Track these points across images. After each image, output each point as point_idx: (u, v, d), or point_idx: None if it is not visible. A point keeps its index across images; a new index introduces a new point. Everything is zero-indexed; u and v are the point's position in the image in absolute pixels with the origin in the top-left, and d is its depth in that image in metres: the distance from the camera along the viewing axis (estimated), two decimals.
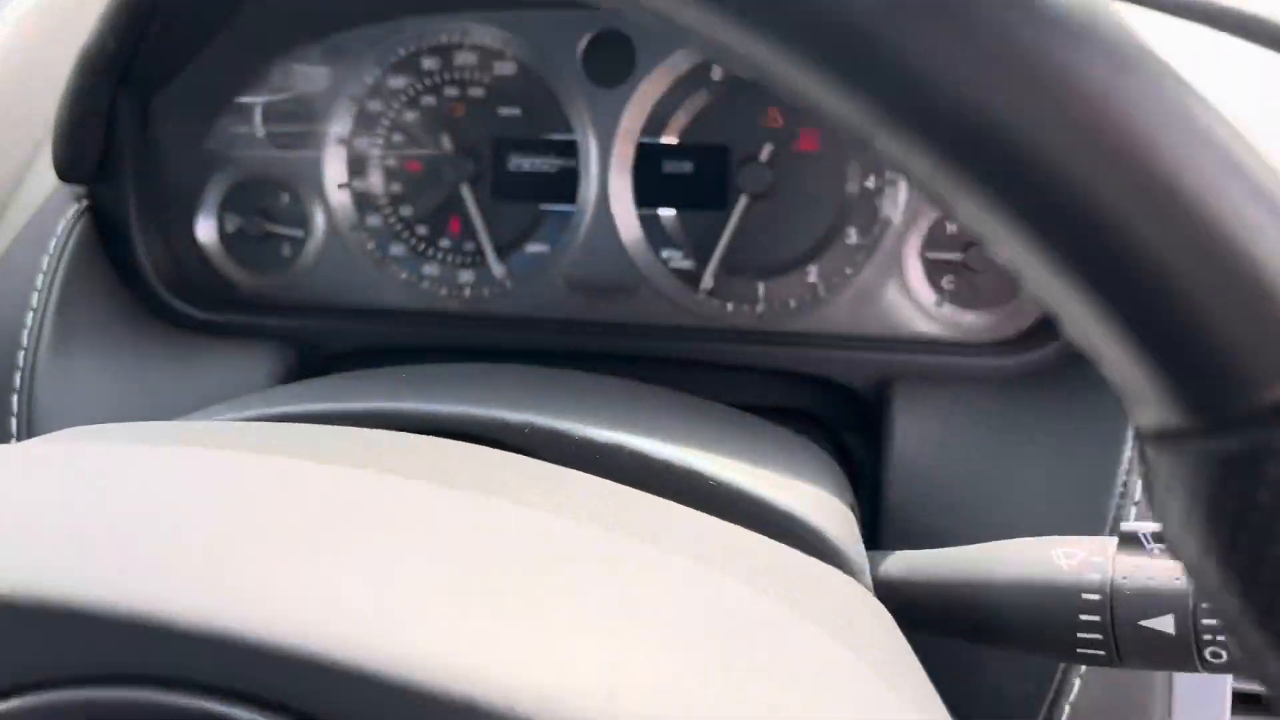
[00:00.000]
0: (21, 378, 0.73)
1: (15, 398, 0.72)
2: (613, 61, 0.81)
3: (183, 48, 0.78)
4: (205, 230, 0.87)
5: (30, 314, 0.75)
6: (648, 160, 0.81)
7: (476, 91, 0.84)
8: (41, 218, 0.80)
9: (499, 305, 0.84)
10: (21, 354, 0.73)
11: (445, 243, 0.85)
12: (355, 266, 0.86)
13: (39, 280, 0.77)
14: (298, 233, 0.86)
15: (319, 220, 0.86)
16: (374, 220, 0.86)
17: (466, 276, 0.85)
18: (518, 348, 0.79)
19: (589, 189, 0.82)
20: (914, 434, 0.70)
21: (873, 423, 0.74)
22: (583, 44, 0.81)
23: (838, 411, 0.77)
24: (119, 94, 0.77)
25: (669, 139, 0.81)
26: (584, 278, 0.82)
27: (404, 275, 0.85)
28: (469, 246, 0.85)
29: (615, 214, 0.81)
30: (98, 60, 0.73)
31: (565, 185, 0.83)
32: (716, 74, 0.80)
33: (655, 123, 0.81)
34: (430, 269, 0.85)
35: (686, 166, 0.81)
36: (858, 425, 0.76)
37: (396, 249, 0.85)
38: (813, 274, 0.80)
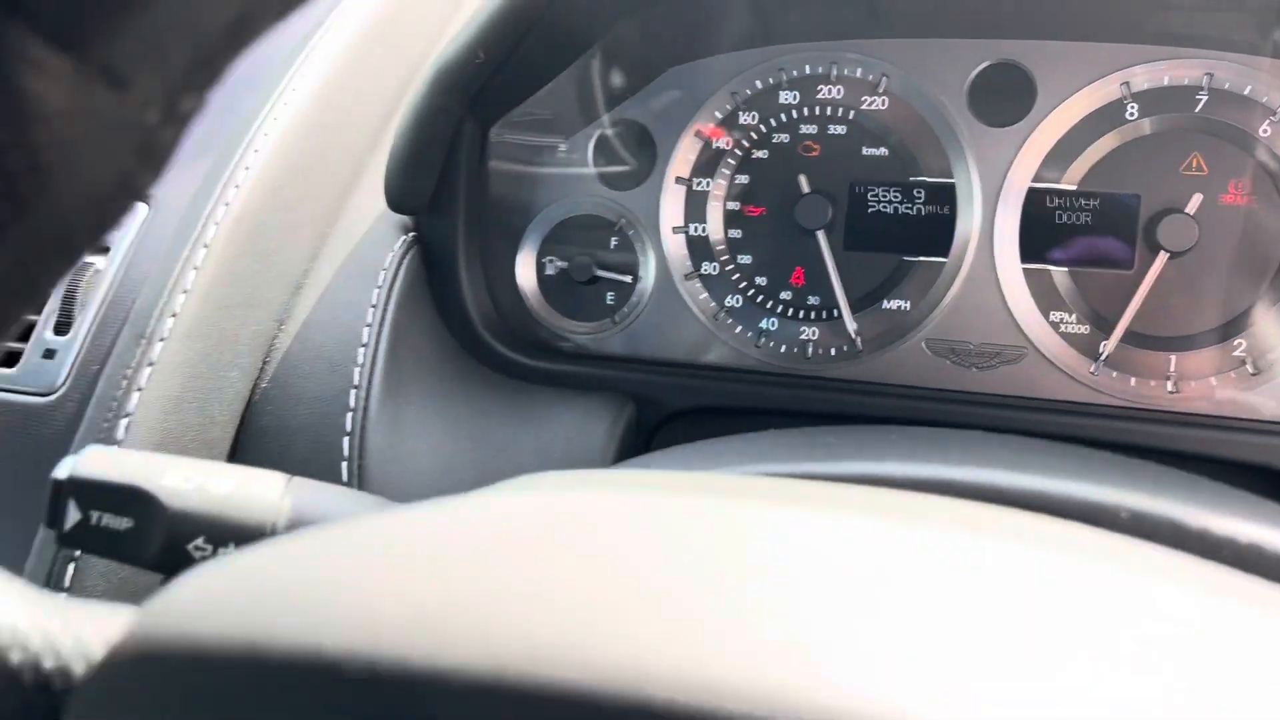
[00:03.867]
0: (354, 420, 0.66)
1: (347, 441, 0.66)
2: (1007, 98, 0.71)
3: (539, 72, 0.72)
4: (524, 273, 0.80)
5: (361, 350, 0.69)
6: (1038, 209, 0.71)
7: (837, 129, 0.75)
8: (367, 250, 0.74)
9: (847, 367, 0.74)
10: (354, 394, 0.67)
11: (786, 295, 0.76)
12: (686, 317, 0.77)
13: (369, 315, 0.70)
14: (626, 279, 0.79)
15: (650, 266, 0.78)
16: (709, 268, 0.78)
17: (809, 333, 0.76)
18: (869, 414, 0.69)
19: (967, 239, 0.72)
20: None
21: None
22: (972, 77, 0.72)
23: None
24: (464, 118, 0.72)
25: (1066, 185, 0.71)
26: (953, 340, 0.72)
27: (739, 329, 0.77)
28: (813, 300, 0.76)
29: (998, 268, 0.71)
30: (458, 77, 0.67)
31: (936, 235, 0.73)
32: (1131, 112, 0.69)
33: (1051, 167, 0.71)
34: (769, 323, 0.76)
35: (1085, 217, 0.70)
36: None
37: (733, 300, 0.77)
38: (1240, 348, 0.68)
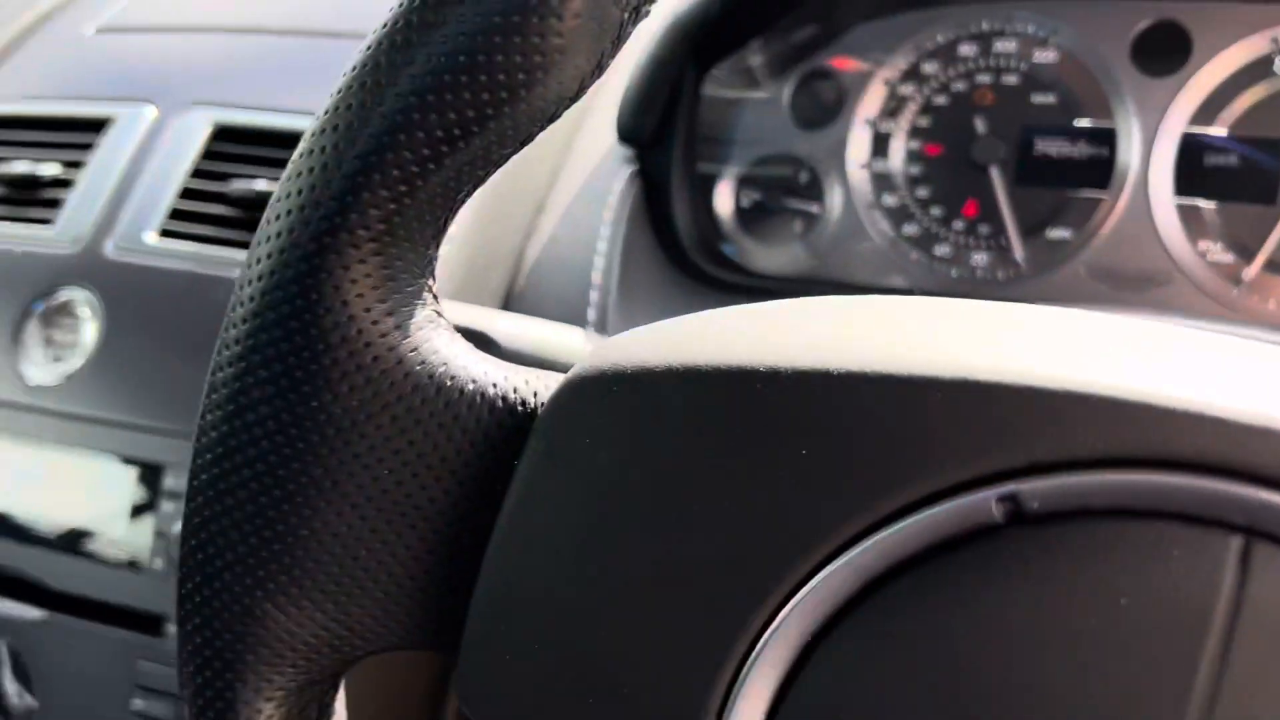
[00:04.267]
0: (596, 313, 0.79)
1: (591, 329, 0.79)
2: (1166, 52, 0.81)
3: (755, 26, 0.84)
4: (722, 202, 0.92)
5: (598, 259, 0.82)
6: (1191, 151, 0.81)
7: (1010, 79, 0.86)
8: (598, 178, 0.87)
9: (1014, 289, 0.85)
10: (593, 293, 0.80)
11: (959, 225, 0.87)
12: (868, 245, 0.89)
13: (603, 231, 0.83)
14: (813, 209, 0.90)
15: (836, 198, 0.90)
16: (890, 200, 0.89)
17: (980, 259, 0.86)
18: None
19: (1125, 176, 0.82)
20: None
21: None
22: (1135, 33, 0.82)
23: None
24: (687, 65, 0.84)
25: (1217, 130, 0.80)
26: (1111, 266, 0.82)
27: (915, 255, 0.88)
28: (984, 230, 0.86)
29: (1152, 202, 0.81)
30: (690, 28, 0.79)
31: (1096, 172, 0.83)
32: (1279, 65, 0.79)
33: (1204, 114, 0.80)
34: (943, 250, 0.87)
35: (1233, 159, 0.80)
36: None
37: (910, 229, 0.88)
38: None
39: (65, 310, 0.87)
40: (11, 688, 0.85)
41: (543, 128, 0.36)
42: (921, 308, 0.34)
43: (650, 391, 0.33)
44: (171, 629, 0.79)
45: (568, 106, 0.36)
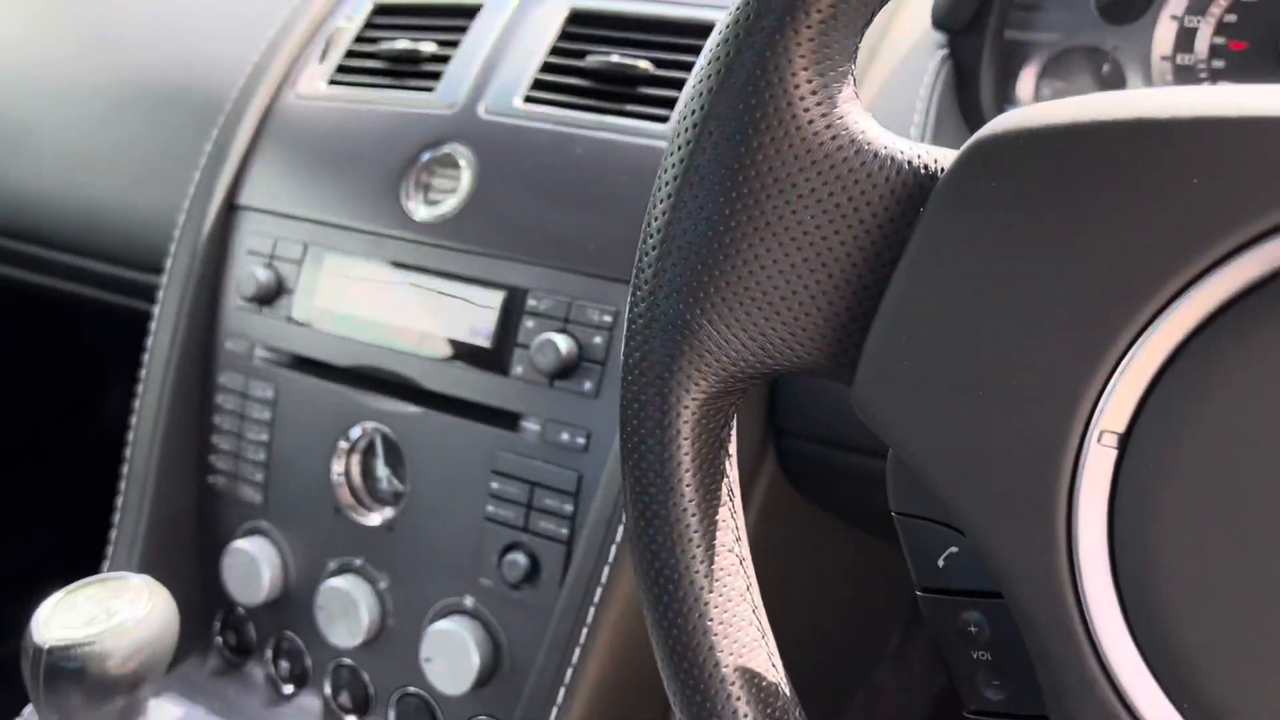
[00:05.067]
0: None
1: None
2: None
3: None
4: (1025, 89, 1.00)
5: (912, 129, 0.91)
6: None
7: None
8: (910, 63, 0.96)
9: None
10: None
11: None
12: None
13: (917, 106, 0.93)
14: None
15: (1138, 86, 0.96)
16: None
17: None
18: None
19: None
20: None
21: None
22: None
23: None
24: None
25: None
26: None
27: None
28: None
29: None
30: None
31: None
32: None
33: None
34: None
35: None
36: None
37: None
38: None
39: (445, 160, 1.03)
40: (383, 473, 1.02)
41: None
42: None
43: (1054, 141, 0.43)
44: (526, 424, 0.94)
45: None
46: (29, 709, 1.02)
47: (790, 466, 0.93)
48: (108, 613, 0.75)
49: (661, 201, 0.50)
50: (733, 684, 0.52)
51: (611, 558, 0.88)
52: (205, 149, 1.16)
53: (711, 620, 0.52)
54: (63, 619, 0.74)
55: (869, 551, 1.13)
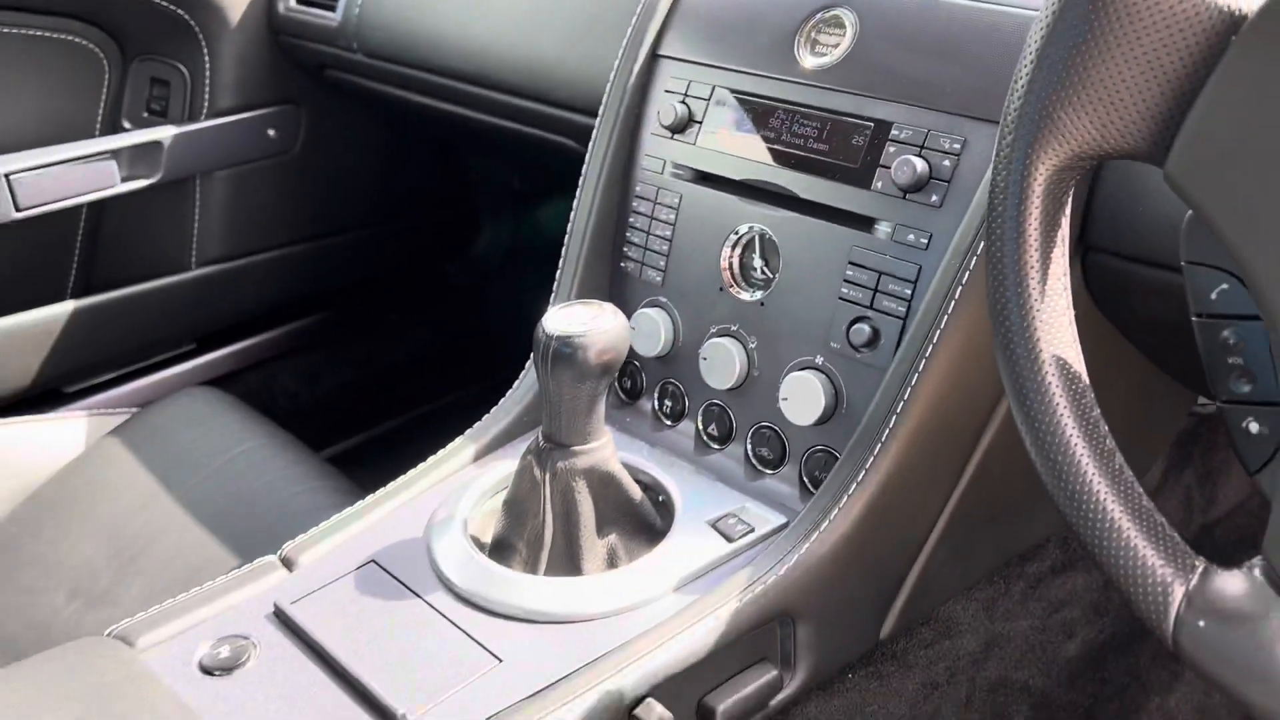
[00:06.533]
0: None
1: None
2: None
3: None
4: None
5: None
6: None
7: None
8: None
9: None
10: None
11: None
12: None
13: None
14: None
15: None
16: None
17: None
18: None
19: None
20: None
21: None
22: None
23: None
24: None
25: None
26: None
27: None
28: None
29: None
30: None
31: None
32: None
33: None
34: None
35: None
36: None
37: None
38: None
39: (833, 21, 1.30)
40: (758, 263, 1.32)
41: None
42: None
43: None
44: (879, 227, 1.21)
45: None
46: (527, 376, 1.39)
47: (1093, 281, 1.15)
48: (591, 317, 1.09)
49: (1039, 31, 0.74)
50: (1049, 366, 0.76)
51: (936, 337, 1.14)
52: (635, 10, 1.47)
53: (1037, 313, 0.77)
54: (564, 318, 1.08)
55: (1143, 386, 1.33)
